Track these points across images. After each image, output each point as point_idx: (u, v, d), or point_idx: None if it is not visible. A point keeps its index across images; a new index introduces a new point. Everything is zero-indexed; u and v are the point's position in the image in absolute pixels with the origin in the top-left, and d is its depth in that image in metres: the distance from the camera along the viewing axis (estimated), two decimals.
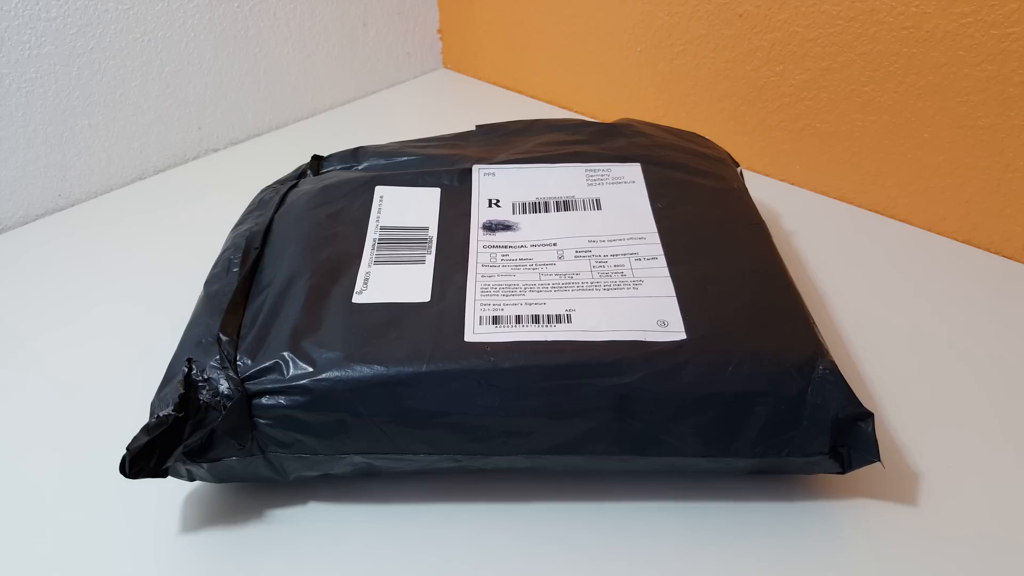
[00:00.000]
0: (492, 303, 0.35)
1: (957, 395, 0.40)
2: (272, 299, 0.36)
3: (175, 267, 0.51)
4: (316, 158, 0.49)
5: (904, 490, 0.35)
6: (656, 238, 0.40)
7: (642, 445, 0.33)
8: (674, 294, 0.36)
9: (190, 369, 0.33)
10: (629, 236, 0.40)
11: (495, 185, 0.44)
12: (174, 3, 0.60)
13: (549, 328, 0.34)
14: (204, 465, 0.32)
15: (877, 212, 0.55)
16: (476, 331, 0.34)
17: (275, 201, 0.44)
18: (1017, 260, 0.50)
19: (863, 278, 0.48)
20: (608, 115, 0.68)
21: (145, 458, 0.31)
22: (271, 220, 0.42)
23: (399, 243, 0.40)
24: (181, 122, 0.64)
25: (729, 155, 0.49)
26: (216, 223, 0.54)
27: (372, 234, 0.40)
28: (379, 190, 0.43)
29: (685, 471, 0.35)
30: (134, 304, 0.48)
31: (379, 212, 0.42)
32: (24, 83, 0.55)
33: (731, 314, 0.35)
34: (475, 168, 0.45)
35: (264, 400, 0.32)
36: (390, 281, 0.37)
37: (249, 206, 0.45)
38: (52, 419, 0.40)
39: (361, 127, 0.70)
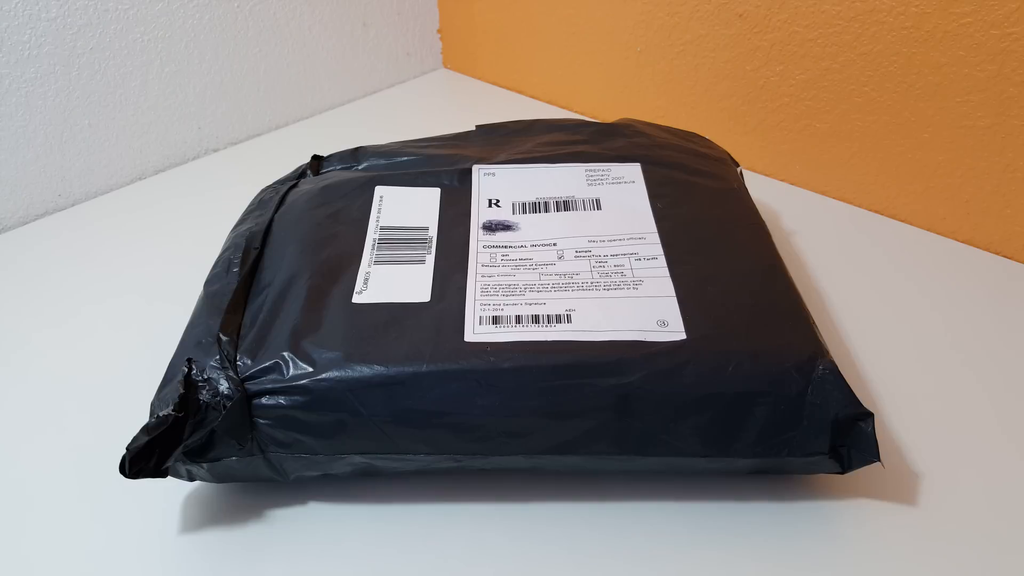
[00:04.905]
0: (492, 303, 0.35)
1: (957, 395, 0.40)
2: (272, 299, 0.36)
3: (174, 267, 0.51)
4: (316, 158, 0.49)
5: (904, 490, 0.35)
6: (656, 238, 0.40)
7: (642, 445, 0.33)
8: (674, 294, 0.36)
9: (190, 369, 0.33)
10: (629, 236, 0.40)
11: (495, 185, 0.44)
12: (174, 3, 0.60)
13: (549, 328, 0.34)
14: (204, 465, 0.33)
15: (877, 212, 0.55)
16: (476, 331, 0.34)
17: (275, 201, 0.44)
18: (1017, 260, 0.50)
19: (863, 278, 0.48)
20: (608, 115, 0.68)
21: (145, 458, 0.31)
22: (271, 220, 0.42)
23: (399, 243, 0.40)
24: (181, 122, 0.64)
25: (729, 155, 0.49)
26: (216, 223, 0.54)
27: (372, 234, 0.40)
28: (379, 190, 0.43)
29: (685, 471, 0.35)
30: (134, 303, 0.48)
31: (379, 212, 0.42)
32: (24, 83, 0.55)
33: (731, 314, 0.35)
34: (475, 168, 0.45)
35: (264, 400, 0.32)
36: (390, 281, 0.37)
37: (249, 206, 0.45)
38: (51, 419, 0.40)
39: (361, 127, 0.70)
